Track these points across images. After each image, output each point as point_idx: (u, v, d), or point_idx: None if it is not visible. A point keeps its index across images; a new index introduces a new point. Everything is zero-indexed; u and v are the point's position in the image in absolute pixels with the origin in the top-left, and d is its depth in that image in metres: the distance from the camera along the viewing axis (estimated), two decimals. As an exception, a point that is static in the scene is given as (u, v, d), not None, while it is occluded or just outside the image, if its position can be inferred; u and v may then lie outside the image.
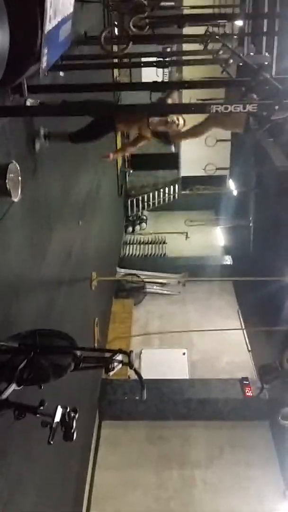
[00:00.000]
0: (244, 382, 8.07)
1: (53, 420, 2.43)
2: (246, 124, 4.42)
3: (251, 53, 5.69)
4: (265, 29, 5.66)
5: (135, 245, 13.42)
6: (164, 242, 13.51)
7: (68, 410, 2.49)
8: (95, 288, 7.64)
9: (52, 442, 2.38)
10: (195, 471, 7.38)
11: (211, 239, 13.95)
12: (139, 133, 4.50)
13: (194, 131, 4.74)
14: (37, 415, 2.48)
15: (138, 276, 11.13)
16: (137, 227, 14.27)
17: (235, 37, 5.93)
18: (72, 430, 2.46)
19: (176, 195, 14.59)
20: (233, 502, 6.95)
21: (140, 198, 14.32)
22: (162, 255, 13.03)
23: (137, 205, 14.38)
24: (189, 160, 13.60)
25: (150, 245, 13.44)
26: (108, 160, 5.51)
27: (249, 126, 4.43)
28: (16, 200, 3.25)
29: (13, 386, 2.58)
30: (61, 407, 2.48)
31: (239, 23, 6.04)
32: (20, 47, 2.22)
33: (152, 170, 14.26)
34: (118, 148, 4.72)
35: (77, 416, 2.50)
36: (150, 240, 13.69)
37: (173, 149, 11.99)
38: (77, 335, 3.22)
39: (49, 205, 4.63)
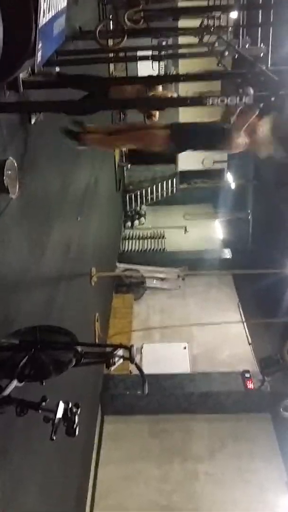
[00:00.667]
0: (246, 375, 8.09)
1: (55, 416, 2.43)
2: None
3: (247, 45, 5.64)
4: (260, 20, 5.62)
5: (134, 240, 13.41)
6: (163, 237, 13.50)
7: (70, 405, 2.49)
8: (95, 284, 7.64)
9: (54, 438, 2.38)
10: (197, 464, 7.41)
11: (210, 232, 13.95)
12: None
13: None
14: (39, 411, 2.48)
15: (138, 271, 11.14)
16: (136, 222, 14.26)
17: (230, 29, 5.89)
18: (74, 426, 2.46)
19: (175, 189, 14.56)
20: (235, 494, 6.99)
21: (139, 193, 14.29)
22: (161, 249, 13.04)
23: (136, 200, 14.36)
24: (186, 154, 13.56)
25: (149, 240, 13.43)
26: None
27: None
28: (13, 197, 3.24)
29: (15, 383, 2.58)
30: (63, 403, 2.48)
31: (234, 14, 5.98)
32: (14, 42, 2.20)
33: (150, 165, 14.23)
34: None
35: (79, 411, 2.50)
36: (149, 235, 13.68)
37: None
38: (78, 330, 3.22)
39: (47, 201, 4.62)
